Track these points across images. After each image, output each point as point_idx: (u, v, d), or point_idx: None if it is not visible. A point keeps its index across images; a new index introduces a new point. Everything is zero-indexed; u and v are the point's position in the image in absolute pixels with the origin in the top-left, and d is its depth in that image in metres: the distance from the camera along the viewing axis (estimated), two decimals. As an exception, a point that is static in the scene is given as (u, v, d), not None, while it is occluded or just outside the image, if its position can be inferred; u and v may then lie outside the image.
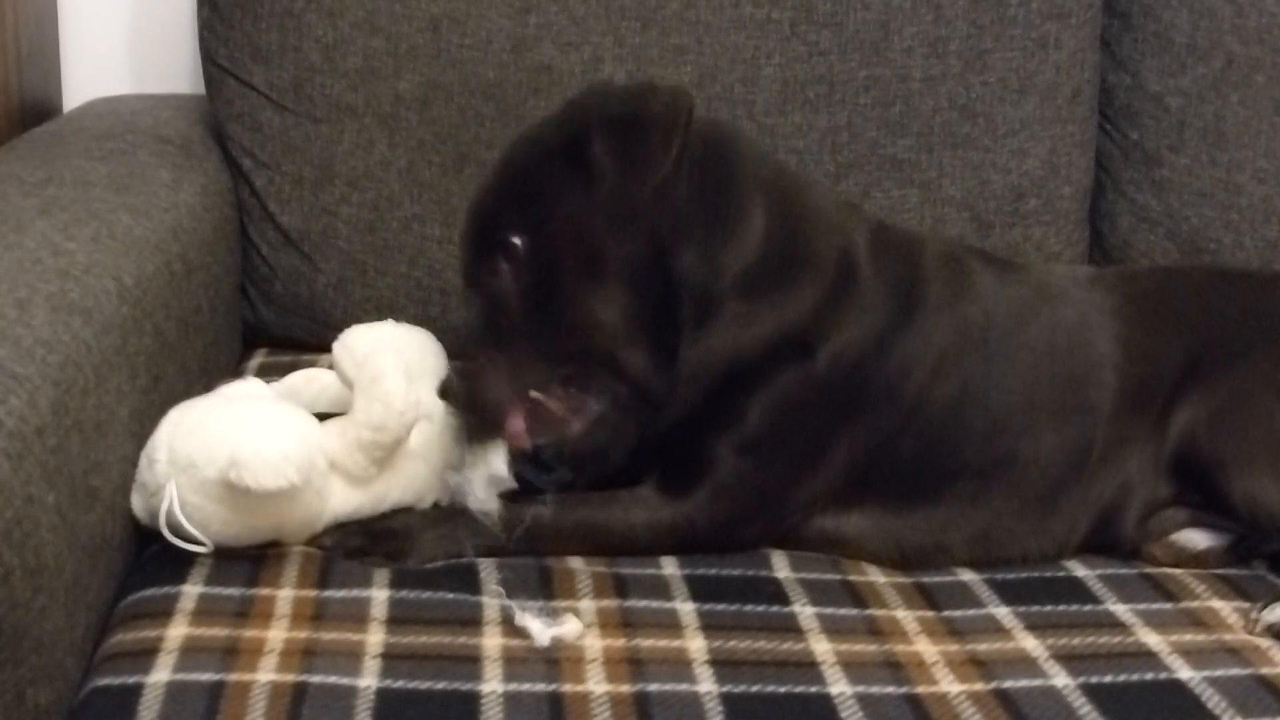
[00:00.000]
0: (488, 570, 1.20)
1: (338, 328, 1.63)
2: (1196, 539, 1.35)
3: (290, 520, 1.20)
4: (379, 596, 1.15)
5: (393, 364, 1.23)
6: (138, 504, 1.20)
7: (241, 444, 1.15)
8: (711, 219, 1.27)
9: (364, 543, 1.21)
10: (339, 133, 1.64)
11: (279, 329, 1.69)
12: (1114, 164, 1.76)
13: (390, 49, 1.63)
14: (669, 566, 1.25)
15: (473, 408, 1.24)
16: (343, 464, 1.22)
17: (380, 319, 1.62)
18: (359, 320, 1.63)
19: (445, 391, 1.27)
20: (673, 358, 1.26)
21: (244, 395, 1.27)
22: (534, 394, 1.23)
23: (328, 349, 1.62)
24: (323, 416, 1.26)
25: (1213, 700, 1.09)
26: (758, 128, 1.65)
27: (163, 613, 1.11)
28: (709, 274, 1.26)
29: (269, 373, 1.54)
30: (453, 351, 1.49)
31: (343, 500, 1.23)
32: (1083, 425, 1.35)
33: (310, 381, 1.35)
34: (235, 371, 1.61)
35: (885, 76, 1.67)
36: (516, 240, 1.23)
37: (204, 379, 1.46)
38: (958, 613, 1.21)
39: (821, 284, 1.29)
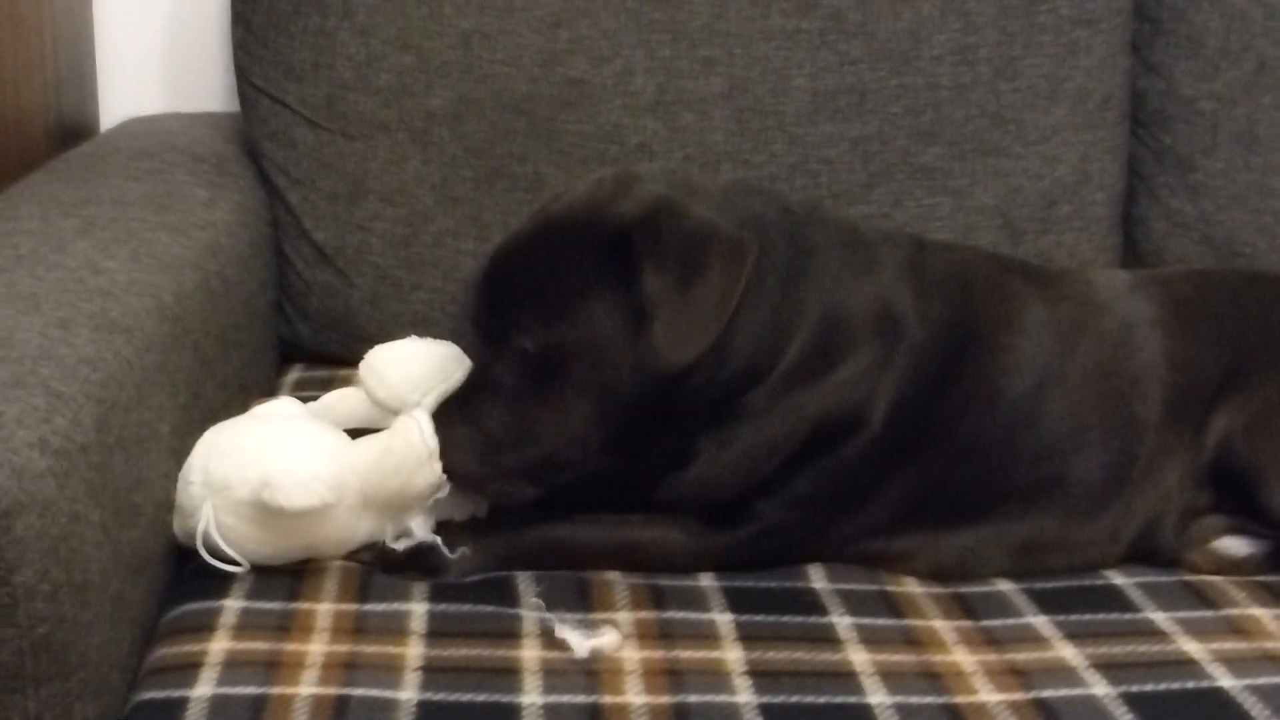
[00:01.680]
0: (526, 583, 1.21)
1: (372, 342, 1.64)
2: (1236, 546, 1.34)
3: (324, 538, 1.21)
4: (418, 610, 1.16)
5: (421, 410, 1.23)
6: (176, 525, 1.21)
7: (273, 464, 1.16)
8: (745, 343, 1.24)
9: (402, 558, 1.22)
10: (372, 149, 1.65)
11: (315, 344, 1.70)
12: (1146, 169, 1.75)
13: (422, 65, 1.64)
14: (706, 578, 1.25)
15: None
16: (372, 497, 1.22)
17: (414, 333, 1.65)
18: (393, 335, 1.64)
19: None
20: (671, 448, 1.25)
21: (276, 415, 1.28)
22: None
23: (363, 363, 1.65)
24: (356, 434, 1.27)
25: (1255, 708, 1.08)
26: (788, 138, 1.66)
27: (205, 627, 1.12)
28: (739, 384, 1.24)
29: (305, 388, 1.56)
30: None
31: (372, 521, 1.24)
32: (1128, 440, 1.34)
33: (343, 398, 1.36)
34: (271, 387, 1.62)
35: (915, 85, 1.67)
36: (530, 346, 1.20)
37: (242, 395, 1.47)
38: (996, 622, 1.21)
39: (866, 355, 1.27)
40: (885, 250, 1.33)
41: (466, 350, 1.29)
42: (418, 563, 1.22)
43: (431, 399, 1.25)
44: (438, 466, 1.20)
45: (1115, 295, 1.42)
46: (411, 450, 1.20)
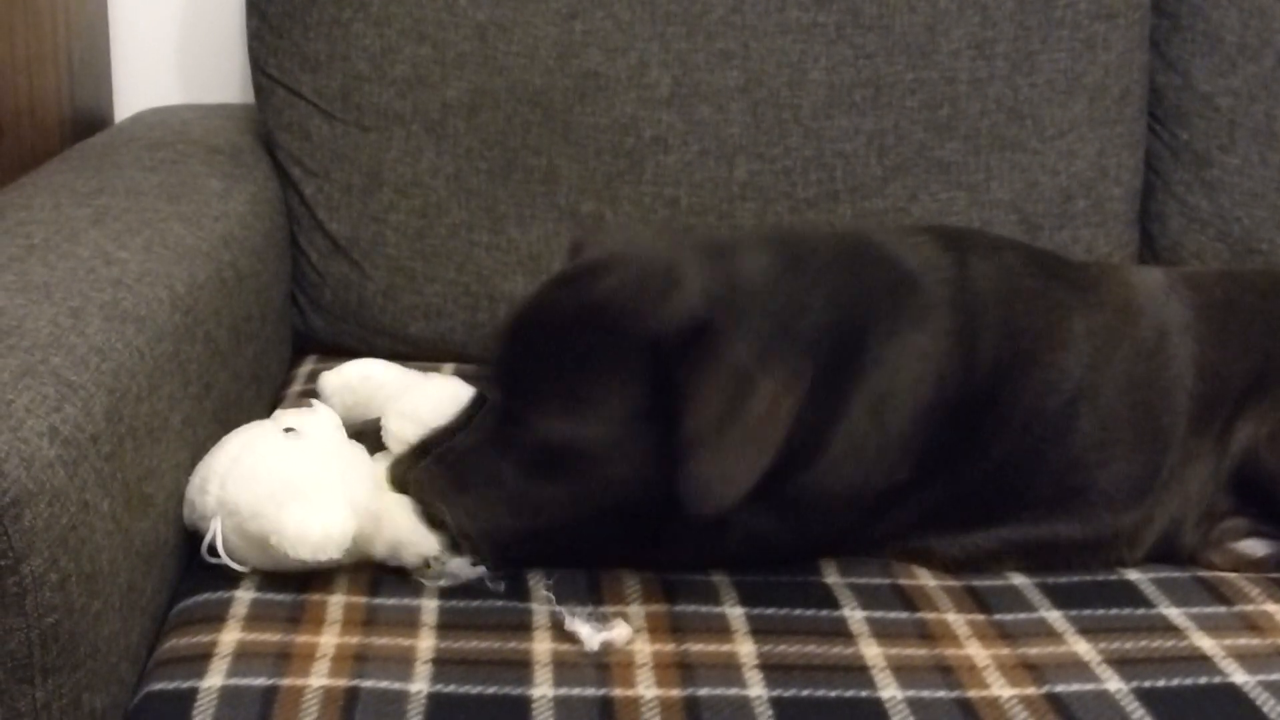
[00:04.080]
0: (536, 577, 1.20)
1: (387, 334, 1.66)
2: (1256, 547, 1.33)
3: (329, 570, 1.19)
4: (429, 604, 1.16)
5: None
6: (185, 514, 1.20)
7: (287, 514, 1.13)
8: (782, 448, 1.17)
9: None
10: (387, 140, 1.65)
11: (328, 336, 1.70)
12: (1164, 165, 1.74)
13: (438, 57, 1.64)
14: (717, 571, 1.24)
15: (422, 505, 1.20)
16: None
17: (428, 325, 1.65)
18: (407, 327, 1.66)
19: (400, 480, 1.23)
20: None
21: (307, 441, 1.23)
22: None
23: (377, 355, 1.64)
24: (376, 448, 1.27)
25: (1269, 705, 1.07)
26: (804, 131, 1.65)
27: (216, 618, 1.12)
28: (777, 477, 1.18)
29: (318, 380, 1.55)
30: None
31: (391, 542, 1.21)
32: (1154, 451, 1.33)
33: (366, 380, 1.36)
34: (285, 379, 1.62)
35: (932, 79, 1.66)
36: (550, 436, 1.16)
37: (254, 386, 1.47)
38: (1009, 616, 1.20)
39: (909, 422, 1.24)
40: (932, 286, 1.28)
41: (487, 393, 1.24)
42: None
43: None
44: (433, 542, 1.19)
45: (1151, 299, 1.39)
46: (413, 552, 1.19)
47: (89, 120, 1.81)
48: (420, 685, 1.05)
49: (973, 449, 1.28)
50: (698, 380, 1.12)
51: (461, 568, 1.19)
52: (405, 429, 1.27)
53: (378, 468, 1.24)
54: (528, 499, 1.18)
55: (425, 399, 1.30)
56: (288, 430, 1.23)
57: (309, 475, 1.18)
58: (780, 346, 1.18)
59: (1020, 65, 1.67)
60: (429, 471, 1.20)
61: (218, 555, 1.17)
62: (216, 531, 1.16)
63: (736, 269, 1.22)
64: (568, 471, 1.17)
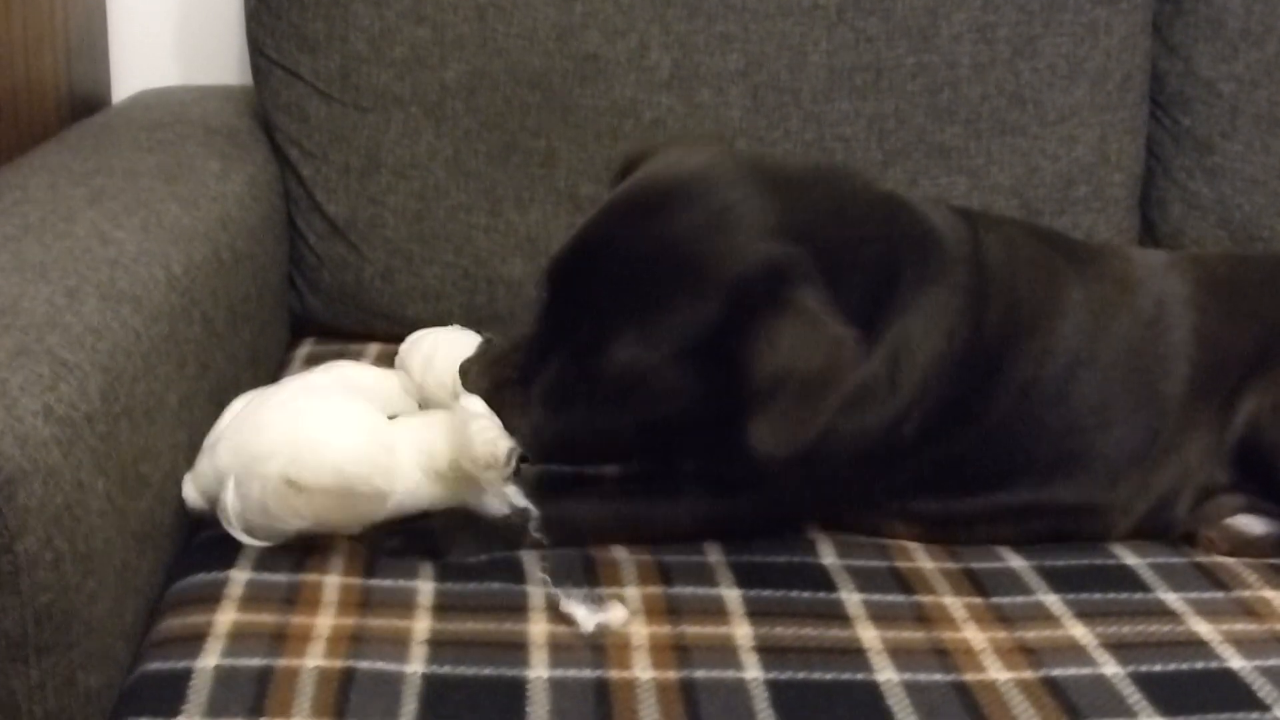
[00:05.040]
0: (532, 559, 1.20)
1: (385, 316, 1.66)
2: (1252, 525, 1.33)
3: (347, 517, 1.19)
4: (425, 586, 1.15)
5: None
6: (191, 491, 1.20)
7: (302, 441, 1.14)
8: None
9: (401, 542, 1.20)
10: (385, 122, 1.65)
11: (326, 318, 1.70)
12: (1165, 151, 1.74)
13: (436, 38, 1.63)
14: (714, 553, 1.24)
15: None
16: (437, 462, 1.19)
17: (426, 308, 1.65)
18: (405, 309, 1.66)
19: (464, 373, 1.22)
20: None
21: (310, 387, 1.25)
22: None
23: (374, 338, 1.65)
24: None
25: (1264, 690, 1.07)
26: (804, 115, 1.65)
27: (211, 599, 1.12)
28: None
29: (316, 361, 1.54)
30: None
31: (409, 494, 1.21)
32: (1152, 416, 1.34)
33: (364, 373, 1.35)
34: (282, 360, 1.62)
35: (933, 63, 1.66)
36: (624, 360, 1.16)
37: (252, 367, 1.47)
38: (1006, 599, 1.20)
39: (920, 379, 1.25)
40: (953, 245, 1.30)
41: (527, 312, 1.25)
42: (417, 545, 1.20)
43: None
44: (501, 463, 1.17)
45: (1151, 273, 1.41)
46: (483, 446, 1.17)
47: (86, 101, 1.80)
48: (416, 667, 1.05)
49: (973, 411, 1.29)
50: (771, 329, 1.14)
51: (516, 495, 1.18)
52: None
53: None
54: (590, 422, 1.19)
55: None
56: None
57: (318, 407, 1.18)
58: (837, 290, 1.19)
59: (1022, 50, 1.66)
60: (496, 381, 1.20)
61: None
62: (230, 489, 1.15)
63: (799, 202, 1.23)
64: (633, 399, 1.18)
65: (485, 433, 1.16)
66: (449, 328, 1.36)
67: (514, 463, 1.17)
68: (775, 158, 1.54)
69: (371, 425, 1.18)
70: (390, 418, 1.22)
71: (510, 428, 1.17)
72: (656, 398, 1.18)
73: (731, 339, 1.14)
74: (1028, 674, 1.09)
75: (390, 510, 1.19)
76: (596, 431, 1.21)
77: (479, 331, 1.32)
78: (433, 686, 1.03)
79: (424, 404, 1.29)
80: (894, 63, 1.65)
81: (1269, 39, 1.69)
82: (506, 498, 1.18)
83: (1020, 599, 1.21)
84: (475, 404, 1.18)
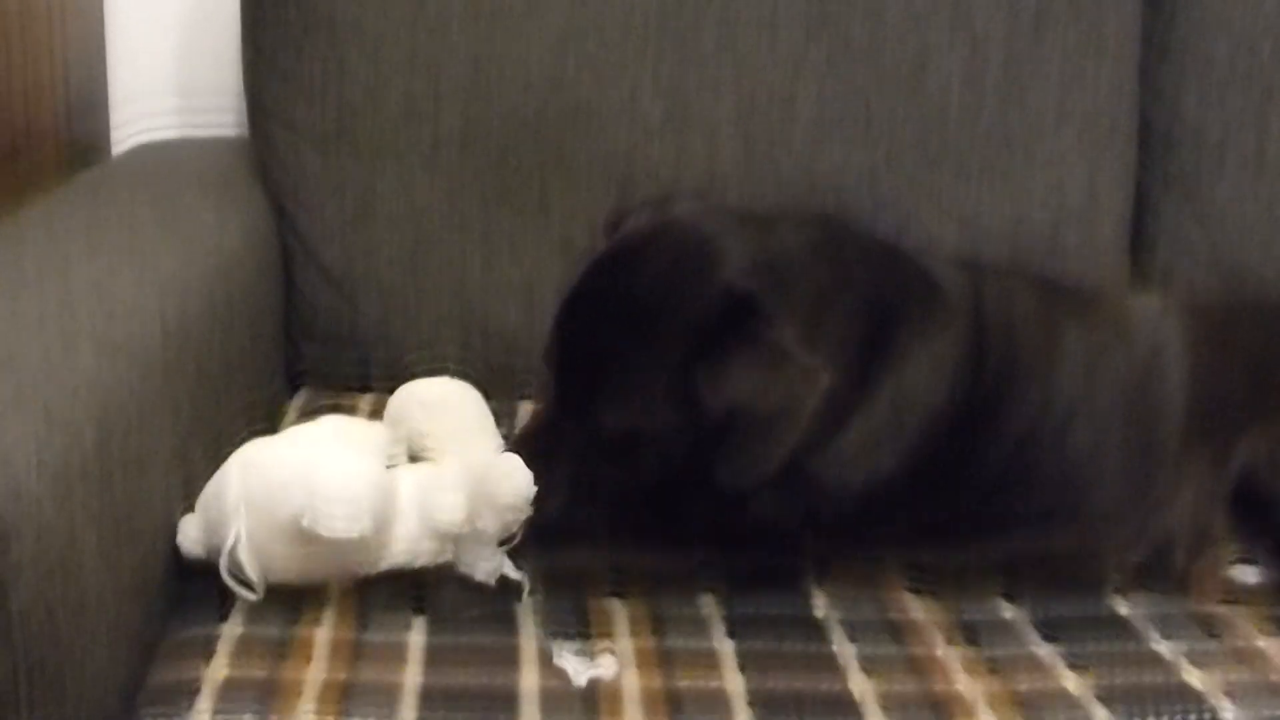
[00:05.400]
0: (525, 610, 1.20)
1: (380, 366, 1.66)
2: (1248, 574, 1.33)
3: (350, 564, 1.19)
4: (416, 640, 1.16)
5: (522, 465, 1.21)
6: (193, 539, 1.20)
7: (317, 489, 1.14)
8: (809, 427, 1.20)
9: (394, 594, 1.20)
10: (380, 171, 1.65)
11: (322, 366, 1.70)
12: (1154, 194, 1.75)
13: (431, 88, 1.64)
14: (707, 605, 1.24)
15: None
16: (437, 518, 1.21)
17: (421, 357, 1.65)
18: (401, 357, 1.66)
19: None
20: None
21: (316, 438, 1.26)
22: None
23: (370, 388, 1.65)
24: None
25: (1258, 739, 1.08)
26: (795, 162, 1.66)
27: (204, 651, 1.12)
28: (799, 454, 1.21)
29: (312, 411, 1.55)
30: (495, 387, 1.52)
31: (406, 548, 1.22)
32: (1147, 464, 1.34)
33: (354, 425, 1.35)
34: (278, 410, 1.62)
35: (922, 111, 1.67)
36: (607, 424, 1.18)
37: (247, 417, 1.47)
38: (1000, 650, 1.20)
39: (918, 431, 1.26)
40: (954, 297, 1.31)
41: (544, 382, 1.26)
42: (410, 597, 1.20)
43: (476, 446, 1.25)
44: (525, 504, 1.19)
45: (1145, 319, 1.41)
46: (509, 485, 1.19)
47: (85, 152, 1.81)
48: (407, 718, 1.05)
49: (971, 460, 1.29)
50: (733, 357, 1.15)
51: (509, 566, 1.21)
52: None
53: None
54: (584, 485, 1.20)
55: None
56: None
57: (329, 456, 1.19)
58: (815, 327, 1.20)
59: (1010, 96, 1.67)
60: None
61: (234, 573, 1.16)
62: (240, 533, 1.15)
63: (778, 243, 1.24)
64: (625, 452, 1.19)
65: (514, 474, 1.17)
66: (442, 378, 1.36)
67: (524, 517, 1.19)
68: (765, 208, 1.54)
69: (378, 476, 1.18)
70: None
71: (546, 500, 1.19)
72: (658, 449, 1.19)
73: (698, 377, 1.15)
74: (1020, 725, 1.09)
75: (389, 563, 1.20)
76: (618, 489, 1.22)
77: (469, 378, 1.34)
78: (425, 739, 1.03)
79: (419, 455, 1.30)
80: (883, 110, 1.67)
81: (1254, 83, 1.70)
82: (499, 564, 1.19)
83: (1014, 650, 1.20)
84: (506, 456, 1.20)
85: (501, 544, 1.22)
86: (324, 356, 1.69)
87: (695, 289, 1.19)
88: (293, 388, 1.70)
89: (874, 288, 1.27)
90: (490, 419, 1.31)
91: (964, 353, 1.29)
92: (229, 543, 1.16)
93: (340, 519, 1.13)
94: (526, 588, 1.20)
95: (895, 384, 1.25)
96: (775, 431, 1.16)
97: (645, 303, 1.19)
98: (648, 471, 1.21)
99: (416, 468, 1.26)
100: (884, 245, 1.35)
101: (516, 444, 1.22)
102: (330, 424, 1.30)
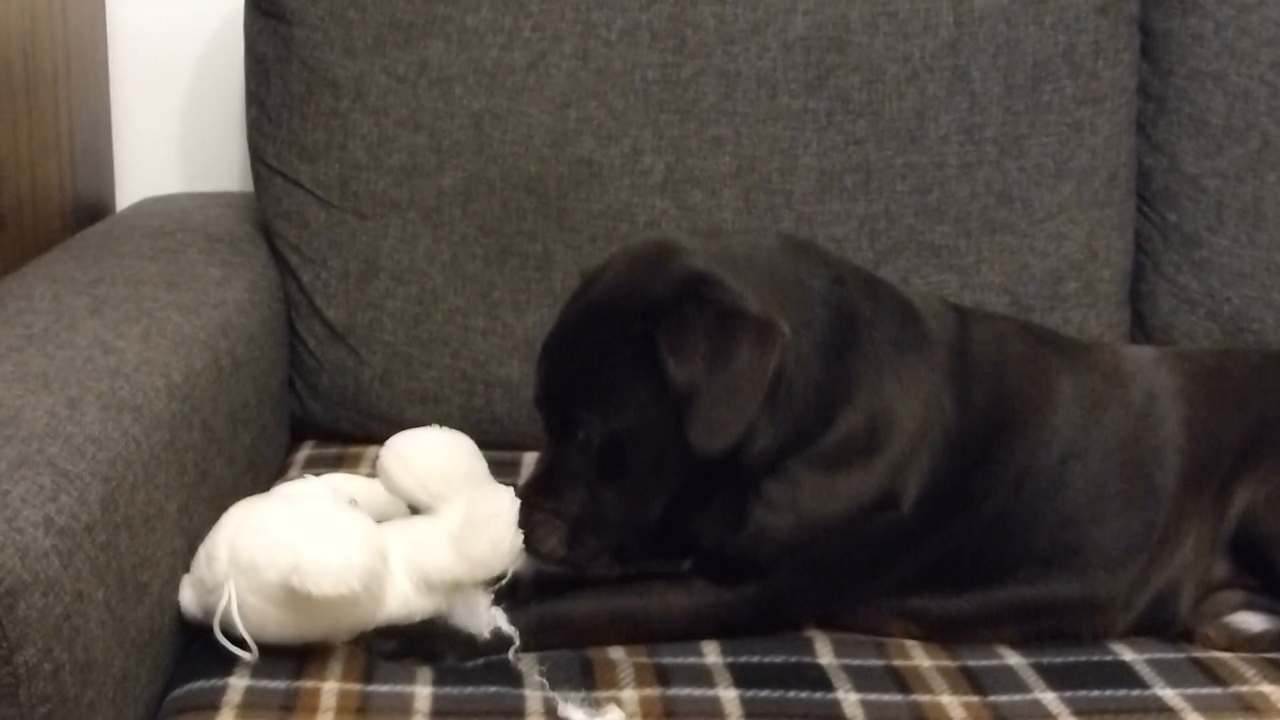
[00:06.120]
0: (529, 661, 1.20)
1: (384, 419, 1.67)
2: (1251, 622, 1.33)
3: (344, 623, 1.20)
4: (423, 690, 1.16)
5: (507, 508, 1.23)
6: (190, 599, 1.21)
7: (305, 549, 1.15)
8: (787, 418, 1.25)
9: (399, 645, 1.21)
10: (384, 228, 1.67)
11: (326, 421, 1.71)
12: (1153, 246, 1.76)
13: (434, 145, 1.66)
14: (711, 655, 1.24)
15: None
16: (427, 571, 1.22)
17: (425, 410, 1.66)
18: (404, 412, 1.66)
19: None
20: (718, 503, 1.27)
21: (306, 496, 1.27)
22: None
23: (374, 441, 1.63)
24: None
25: (1263, 787, 1.07)
26: (796, 216, 1.67)
27: (210, 706, 1.12)
28: (783, 451, 1.25)
29: (316, 465, 1.56)
30: (498, 441, 1.52)
31: (400, 605, 1.23)
32: (1146, 509, 1.34)
33: (349, 482, 1.35)
34: (282, 465, 1.62)
35: (922, 164, 1.68)
36: (584, 435, 1.21)
37: (251, 473, 1.48)
38: (1004, 698, 1.20)
39: (905, 443, 1.27)
40: (934, 325, 1.34)
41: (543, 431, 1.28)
42: (416, 649, 1.21)
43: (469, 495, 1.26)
44: (518, 550, 1.21)
45: (1140, 366, 1.43)
46: (500, 535, 1.20)
47: (90, 209, 1.83)
48: (413, 772, 1.05)
49: (967, 504, 1.30)
50: (679, 334, 1.18)
51: (501, 618, 1.22)
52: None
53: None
54: (593, 509, 1.23)
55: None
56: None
57: (318, 516, 1.20)
58: (774, 307, 1.23)
59: (1009, 149, 1.69)
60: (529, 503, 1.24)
61: (229, 633, 1.16)
62: (231, 596, 1.16)
63: (738, 245, 1.29)
64: (619, 470, 1.22)
65: (492, 523, 1.19)
66: (432, 428, 1.37)
67: (509, 570, 1.19)
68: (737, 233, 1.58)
69: (367, 534, 1.19)
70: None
71: (545, 546, 1.22)
72: (649, 461, 1.22)
73: (660, 351, 1.18)
74: (1025, 773, 1.09)
75: (382, 620, 1.20)
76: (625, 511, 1.24)
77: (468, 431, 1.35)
78: (430, 793, 1.03)
79: (420, 507, 1.30)
80: (883, 164, 1.68)
81: (1251, 135, 1.72)
82: (491, 617, 1.20)
83: (1017, 697, 1.21)
84: (497, 499, 1.21)
85: (493, 583, 1.23)
86: (328, 410, 1.70)
87: (654, 274, 1.23)
88: (296, 441, 1.70)
89: (844, 292, 1.30)
90: (484, 466, 1.31)
91: (943, 379, 1.30)
92: (221, 604, 1.16)
93: (329, 579, 1.13)
94: (518, 642, 1.21)
95: (869, 392, 1.27)
96: (740, 388, 1.17)
97: (609, 301, 1.23)
98: (645, 496, 1.23)
99: (408, 522, 1.27)
100: (855, 266, 1.38)
101: (520, 494, 1.24)
102: (324, 481, 1.30)
